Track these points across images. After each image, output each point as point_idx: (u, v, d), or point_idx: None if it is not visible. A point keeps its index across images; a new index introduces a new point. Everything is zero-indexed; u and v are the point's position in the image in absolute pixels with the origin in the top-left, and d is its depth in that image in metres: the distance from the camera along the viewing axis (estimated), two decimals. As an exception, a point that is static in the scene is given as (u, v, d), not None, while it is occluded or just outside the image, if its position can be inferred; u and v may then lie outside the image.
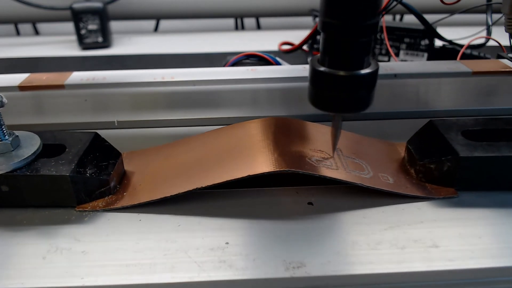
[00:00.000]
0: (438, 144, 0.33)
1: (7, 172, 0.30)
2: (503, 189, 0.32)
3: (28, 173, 0.30)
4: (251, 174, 0.30)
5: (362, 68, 0.28)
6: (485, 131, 0.34)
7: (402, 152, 0.37)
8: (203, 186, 0.31)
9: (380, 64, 0.53)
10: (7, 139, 0.31)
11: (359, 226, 0.30)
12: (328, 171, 0.31)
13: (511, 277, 0.27)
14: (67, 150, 0.32)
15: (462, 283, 0.27)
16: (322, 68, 0.28)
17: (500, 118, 0.35)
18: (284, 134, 0.34)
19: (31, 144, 0.32)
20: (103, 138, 0.35)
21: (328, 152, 0.34)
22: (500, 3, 0.45)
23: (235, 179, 0.30)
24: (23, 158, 0.30)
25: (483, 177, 0.32)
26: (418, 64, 0.53)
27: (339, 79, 0.28)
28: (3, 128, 0.31)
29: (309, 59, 0.29)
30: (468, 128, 0.34)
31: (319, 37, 0.45)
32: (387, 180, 0.33)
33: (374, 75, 0.28)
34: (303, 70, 0.49)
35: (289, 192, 0.33)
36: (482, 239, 0.28)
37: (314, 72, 0.29)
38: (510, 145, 0.32)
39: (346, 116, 0.44)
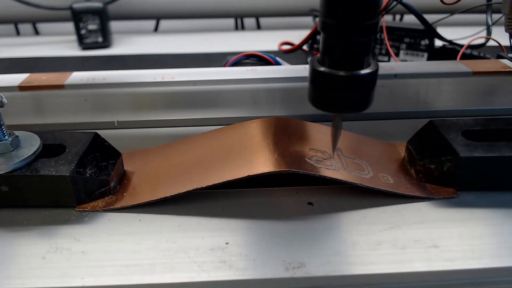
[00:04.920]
0: (438, 144, 0.33)
1: (7, 172, 0.30)
2: (504, 189, 0.32)
3: (28, 173, 0.30)
4: (251, 174, 0.30)
5: (362, 68, 0.27)
6: (485, 131, 0.34)
7: (402, 152, 0.37)
8: (203, 186, 0.31)
9: (380, 64, 0.54)
10: (7, 139, 0.31)
11: (359, 226, 0.30)
12: (328, 171, 0.31)
13: (511, 277, 0.27)
14: (67, 150, 0.32)
15: (462, 284, 0.27)
16: (322, 68, 0.28)
17: (500, 118, 0.35)
18: (284, 134, 0.34)
19: (31, 144, 0.32)
20: (103, 138, 0.35)
21: (329, 152, 0.34)
22: (500, 3, 0.45)
23: (235, 179, 0.30)
24: (23, 158, 0.30)
25: (483, 177, 0.32)
26: (418, 64, 0.53)
27: (339, 79, 0.27)
28: (3, 128, 0.31)
29: (309, 59, 0.29)
30: (468, 128, 0.34)
31: (319, 37, 0.45)
32: (387, 180, 0.33)
33: (374, 75, 0.28)
34: (303, 70, 0.49)
35: (289, 192, 0.33)
36: (482, 239, 0.28)
37: (314, 72, 0.29)
38: (510, 145, 0.32)
39: (346, 116, 0.44)
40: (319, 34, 0.42)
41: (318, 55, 0.29)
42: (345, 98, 0.28)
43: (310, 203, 0.32)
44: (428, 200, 0.32)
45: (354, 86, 0.28)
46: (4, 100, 0.30)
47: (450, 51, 0.67)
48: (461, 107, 0.45)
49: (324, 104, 0.29)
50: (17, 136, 0.32)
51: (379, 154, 0.37)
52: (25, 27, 0.99)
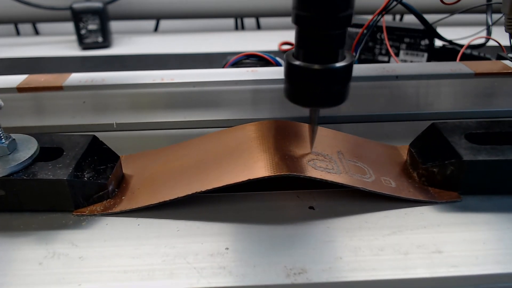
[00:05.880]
0: (441, 148, 0.33)
1: (3, 176, 0.29)
2: (508, 193, 0.32)
3: (25, 177, 0.29)
4: (251, 178, 0.29)
5: (337, 61, 0.27)
6: (488, 134, 0.34)
7: (404, 155, 0.37)
8: (203, 190, 0.30)
9: (382, 65, 0.53)
10: (3, 143, 0.30)
11: (361, 231, 0.29)
12: (330, 175, 0.31)
13: (516, 283, 0.26)
14: (64, 153, 0.32)
15: (466, 290, 0.26)
16: (296, 62, 0.27)
17: (503, 120, 0.35)
18: (284, 137, 0.34)
19: (28, 148, 0.31)
20: (101, 141, 0.34)
21: (330, 155, 0.33)
22: (500, 3, 0.45)
23: (235, 183, 0.30)
24: (20, 162, 0.30)
25: (487, 181, 0.31)
26: (420, 65, 0.52)
27: (313, 72, 0.27)
28: (-1, 131, 0.30)
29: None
30: (471, 131, 0.34)
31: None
32: (389, 184, 0.32)
33: (349, 68, 0.28)
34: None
35: (290, 196, 0.33)
36: (486, 244, 0.28)
37: (288, 66, 0.28)
38: (514, 148, 0.31)
39: (346, 118, 0.44)
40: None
41: (293, 49, 0.28)
42: (320, 92, 0.28)
43: (311, 207, 0.31)
44: (431, 204, 0.31)
45: (328, 80, 0.27)
46: (1, 103, 0.30)
47: (450, 51, 0.67)
48: (463, 109, 0.44)
49: (300, 98, 0.29)
50: (14, 139, 0.31)
51: (381, 157, 0.36)
52: (25, 27, 0.99)
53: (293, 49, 0.28)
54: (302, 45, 0.27)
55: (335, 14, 0.25)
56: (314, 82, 0.28)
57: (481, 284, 0.26)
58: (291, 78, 0.28)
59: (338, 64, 0.27)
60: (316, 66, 0.27)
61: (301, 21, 0.26)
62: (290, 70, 0.28)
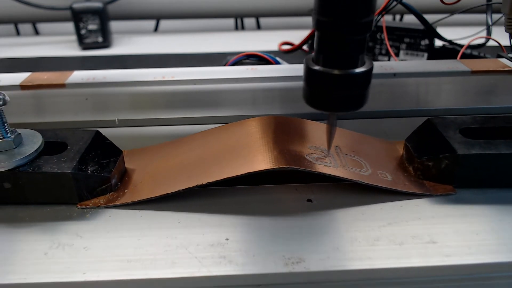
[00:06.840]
0: (436, 142, 0.33)
1: (9, 170, 0.30)
2: (501, 186, 0.33)
3: (30, 170, 0.30)
4: (250, 171, 0.30)
5: (357, 66, 0.27)
6: (483, 129, 0.35)
7: (400, 150, 0.37)
8: (203, 183, 0.31)
9: (380, 63, 0.54)
10: (9, 137, 0.31)
11: (358, 222, 0.30)
12: (327, 169, 0.31)
13: (507, 272, 0.27)
14: (68, 147, 0.32)
15: (459, 279, 0.27)
16: (316, 67, 0.28)
17: (497, 116, 0.36)
18: (283, 132, 0.35)
19: (33, 142, 0.32)
20: (104, 136, 0.35)
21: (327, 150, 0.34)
22: (500, 3, 0.46)
23: (235, 176, 0.30)
24: (25, 155, 0.30)
25: (481, 174, 0.32)
26: (417, 63, 0.53)
27: (333, 78, 0.27)
28: (5, 126, 0.31)
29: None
30: (466, 126, 0.34)
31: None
32: (385, 178, 0.33)
33: (369, 73, 0.28)
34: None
35: (289, 189, 0.33)
36: (479, 235, 0.29)
37: (308, 70, 0.28)
38: (507, 142, 0.32)
39: (344, 114, 0.44)
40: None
41: (313, 53, 0.29)
42: (339, 97, 0.28)
43: (309, 200, 0.32)
44: (426, 197, 0.32)
45: (348, 85, 0.28)
46: (7, 98, 0.30)
47: (450, 51, 0.67)
48: (459, 106, 0.45)
49: (319, 103, 0.29)
50: (20, 133, 0.32)
51: (378, 152, 0.37)
52: (25, 27, 0.99)
53: (313, 53, 0.29)
54: (322, 50, 0.27)
55: (356, 20, 0.25)
56: (334, 87, 0.28)
57: (474, 273, 0.27)
58: (310, 82, 0.29)
59: (358, 70, 0.27)
60: (336, 72, 0.27)
61: (322, 27, 0.26)
62: (309, 74, 0.28)
